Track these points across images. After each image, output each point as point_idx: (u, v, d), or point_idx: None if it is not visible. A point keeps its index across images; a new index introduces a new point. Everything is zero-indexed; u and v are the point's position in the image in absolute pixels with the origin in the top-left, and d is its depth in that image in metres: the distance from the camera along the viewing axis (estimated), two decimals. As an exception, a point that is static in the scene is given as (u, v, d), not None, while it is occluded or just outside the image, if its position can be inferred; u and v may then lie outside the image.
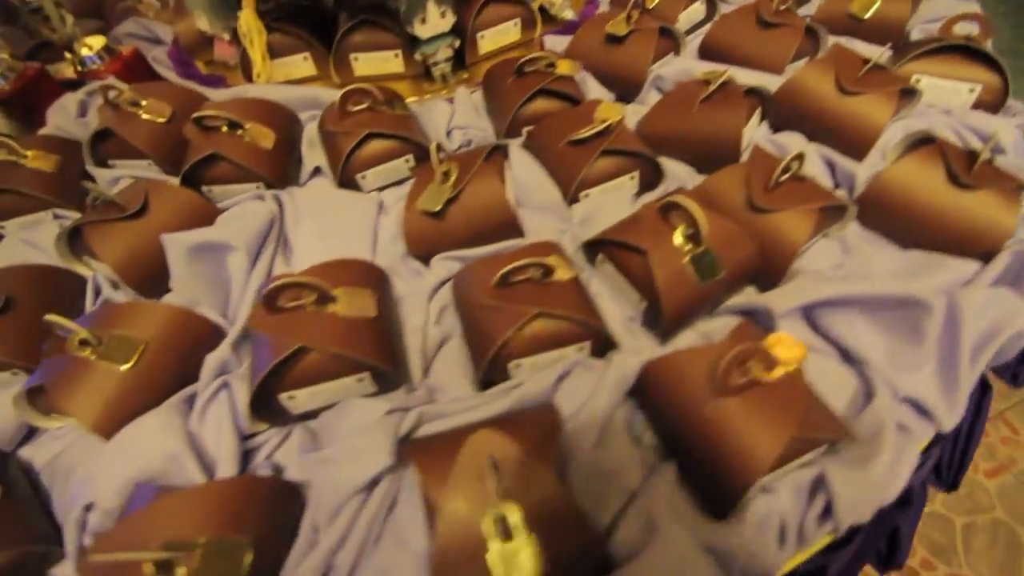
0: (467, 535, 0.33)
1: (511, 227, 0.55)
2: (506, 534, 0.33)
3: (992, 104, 0.61)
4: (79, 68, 0.81)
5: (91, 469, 0.42)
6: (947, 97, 0.63)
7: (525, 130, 0.64)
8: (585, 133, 0.56)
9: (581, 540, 0.35)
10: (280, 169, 0.63)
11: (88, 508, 0.42)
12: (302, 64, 0.75)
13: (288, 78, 0.76)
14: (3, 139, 0.62)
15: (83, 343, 0.44)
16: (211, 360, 0.46)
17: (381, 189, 0.64)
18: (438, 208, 0.53)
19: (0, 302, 0.50)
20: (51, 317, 0.44)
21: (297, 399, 0.43)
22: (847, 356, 0.46)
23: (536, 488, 0.34)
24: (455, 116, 0.67)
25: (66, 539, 0.42)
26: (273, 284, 0.41)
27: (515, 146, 0.60)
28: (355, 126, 0.60)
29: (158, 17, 0.91)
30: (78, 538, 0.42)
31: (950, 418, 0.44)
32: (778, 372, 0.39)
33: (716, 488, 0.39)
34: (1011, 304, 0.45)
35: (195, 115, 0.59)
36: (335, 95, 0.67)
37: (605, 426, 0.42)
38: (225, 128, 0.60)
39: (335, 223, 0.57)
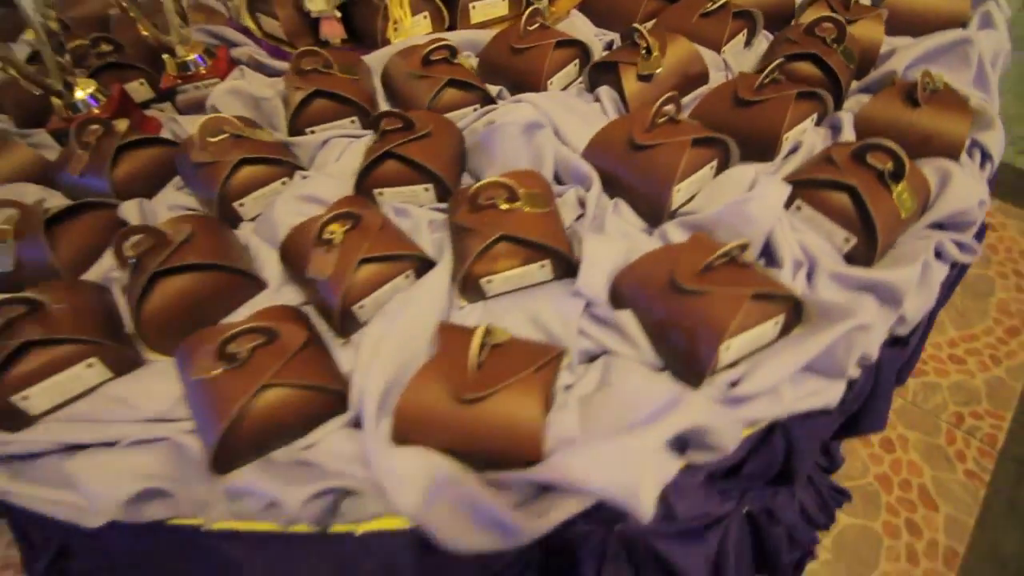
0: (877, 187, 0.53)
1: (704, 75, 0.74)
2: (895, 182, 0.53)
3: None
4: (181, 72, 0.80)
5: (575, 286, 0.52)
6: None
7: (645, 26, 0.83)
8: (711, 6, 0.77)
9: (922, 188, 0.57)
10: (486, 90, 0.74)
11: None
12: (422, 22, 0.85)
13: (409, 36, 0.84)
14: (225, 117, 0.63)
15: (511, 199, 0.54)
16: (595, 191, 0.59)
17: (558, 94, 0.78)
18: (658, 70, 0.70)
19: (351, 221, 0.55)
20: (489, 182, 0.52)
21: (681, 191, 0.58)
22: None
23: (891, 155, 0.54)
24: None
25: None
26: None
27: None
28: (541, 39, 0.74)
29: (210, 21, 0.91)
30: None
31: (994, 107, 0.73)
32: (940, 84, 0.64)
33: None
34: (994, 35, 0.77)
35: (428, 49, 0.68)
36: (488, 33, 0.80)
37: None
38: (447, 58, 0.70)
39: (580, 111, 0.70)
